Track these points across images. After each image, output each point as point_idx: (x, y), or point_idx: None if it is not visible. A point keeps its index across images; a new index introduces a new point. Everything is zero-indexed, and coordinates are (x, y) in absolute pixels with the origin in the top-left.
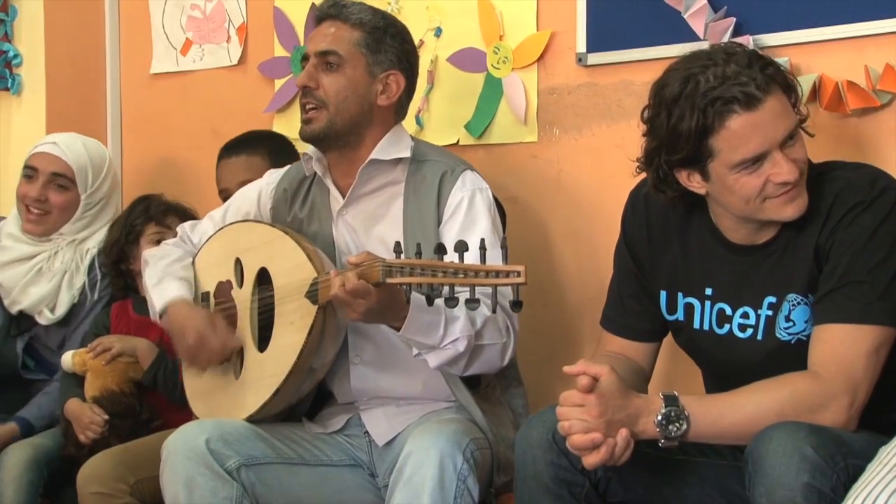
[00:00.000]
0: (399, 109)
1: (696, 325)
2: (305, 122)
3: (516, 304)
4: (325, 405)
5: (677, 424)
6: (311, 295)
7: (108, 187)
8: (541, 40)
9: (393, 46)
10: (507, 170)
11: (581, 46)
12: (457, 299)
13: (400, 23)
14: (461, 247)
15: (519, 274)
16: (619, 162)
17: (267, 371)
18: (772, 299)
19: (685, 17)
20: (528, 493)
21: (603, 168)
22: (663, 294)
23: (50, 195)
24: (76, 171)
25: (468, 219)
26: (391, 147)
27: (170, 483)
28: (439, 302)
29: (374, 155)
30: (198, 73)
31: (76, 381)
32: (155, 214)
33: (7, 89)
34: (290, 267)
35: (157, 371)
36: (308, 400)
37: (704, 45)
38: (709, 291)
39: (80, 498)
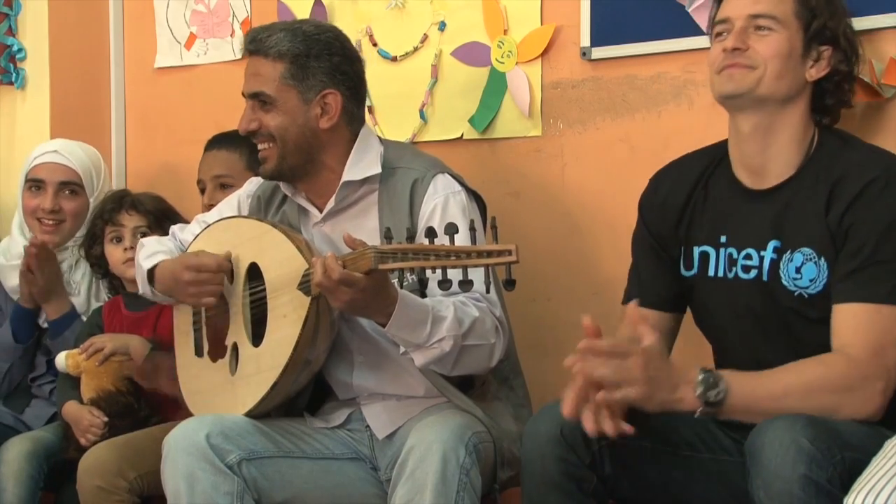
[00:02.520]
0: (350, 121)
1: (711, 272)
2: (262, 161)
3: (509, 283)
4: (325, 400)
5: (716, 391)
6: (304, 287)
7: (108, 188)
8: (545, 34)
9: (320, 67)
10: (510, 164)
11: (585, 41)
12: (450, 282)
13: (323, 35)
14: (451, 229)
15: (511, 252)
16: (623, 156)
17: (263, 366)
18: (776, 243)
19: (689, 10)
20: (535, 489)
21: (607, 162)
22: (682, 250)
23: (62, 204)
24: (83, 175)
25: (443, 224)
26: (360, 163)
27: (171, 478)
28: (427, 300)
29: (346, 177)
30: (202, 68)
31: (72, 383)
32: (107, 213)
33: (11, 83)
34: (281, 260)
35: None
36: (307, 394)
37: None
38: (723, 239)
39: (80, 490)
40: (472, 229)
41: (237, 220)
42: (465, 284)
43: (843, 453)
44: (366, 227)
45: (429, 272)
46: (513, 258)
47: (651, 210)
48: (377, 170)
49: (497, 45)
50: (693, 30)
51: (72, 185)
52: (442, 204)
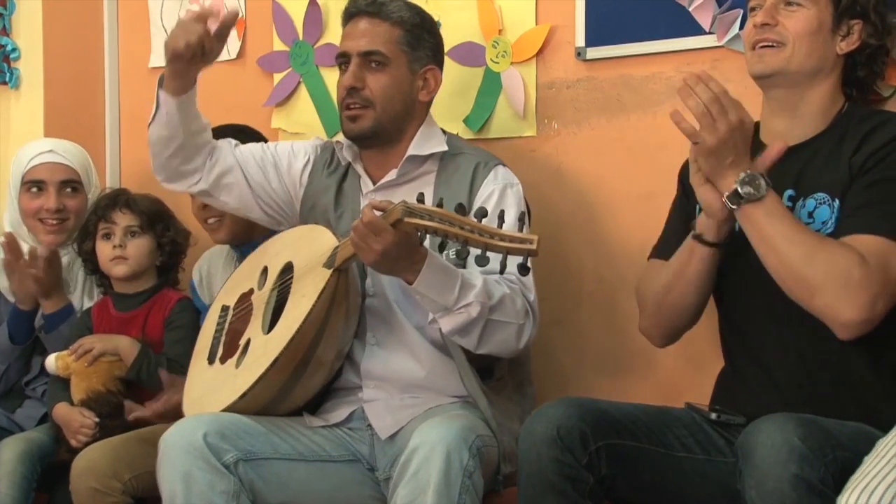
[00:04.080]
0: (432, 101)
1: (736, 227)
2: (350, 119)
3: (524, 268)
4: (326, 398)
5: (749, 189)
6: (329, 261)
7: (97, 182)
8: (540, 34)
9: (429, 42)
10: (506, 164)
11: (580, 41)
12: (468, 251)
13: (431, 17)
14: (481, 212)
15: (532, 242)
16: (618, 156)
17: (270, 346)
18: (791, 192)
19: (690, 9)
20: (531, 489)
21: (602, 162)
22: None
23: (65, 202)
24: (81, 172)
25: (497, 209)
26: (428, 141)
27: (167, 477)
28: (454, 259)
29: (412, 150)
30: None
31: (62, 385)
32: (100, 209)
33: (5, 83)
34: (315, 248)
35: (141, 366)
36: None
37: (710, 39)
38: None
39: (74, 491)
40: (521, 220)
41: (281, 234)
42: (482, 259)
43: (835, 453)
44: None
45: (471, 248)
46: (533, 247)
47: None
48: (444, 147)
49: (492, 45)
50: (687, 30)
51: (72, 183)
52: (500, 191)
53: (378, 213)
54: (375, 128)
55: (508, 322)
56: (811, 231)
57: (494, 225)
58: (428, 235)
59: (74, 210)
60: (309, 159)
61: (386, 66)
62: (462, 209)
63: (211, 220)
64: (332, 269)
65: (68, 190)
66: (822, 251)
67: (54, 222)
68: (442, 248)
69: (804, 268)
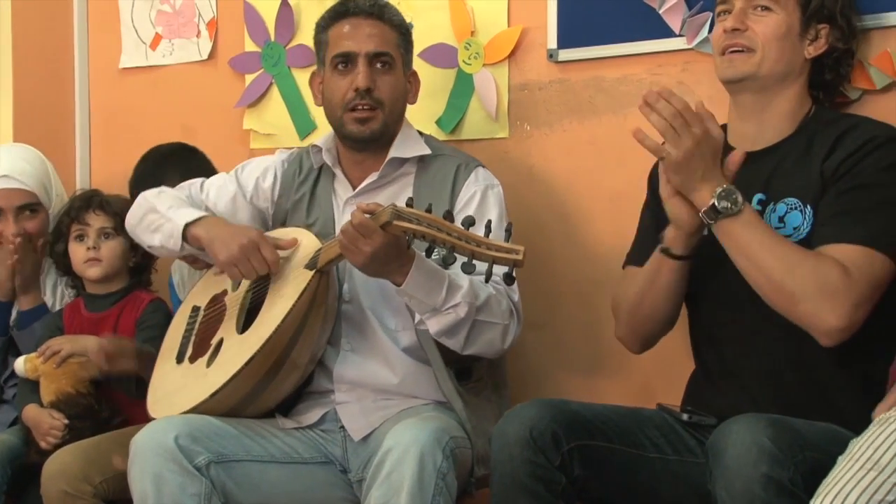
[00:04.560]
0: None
1: (706, 231)
2: (360, 121)
3: (509, 277)
4: (299, 399)
5: (727, 204)
6: (311, 262)
7: (59, 188)
8: (512, 36)
9: (412, 46)
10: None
11: (552, 43)
12: (455, 258)
13: None
14: (468, 221)
15: (518, 252)
16: (590, 158)
17: (245, 345)
18: (761, 196)
19: (660, 12)
20: (503, 490)
21: (574, 164)
22: None
23: (25, 225)
24: (39, 192)
25: (479, 211)
26: (407, 143)
27: (138, 479)
28: (440, 265)
29: (394, 153)
30: (167, 68)
31: (32, 387)
32: (73, 211)
33: None
34: (296, 250)
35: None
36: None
37: (680, 42)
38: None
39: (45, 494)
40: (508, 230)
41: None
42: (469, 266)
43: (805, 453)
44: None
45: (457, 255)
46: (519, 258)
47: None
48: (426, 150)
49: (464, 47)
50: (659, 32)
51: (31, 206)
52: (482, 192)
53: (367, 216)
54: (383, 129)
55: (494, 323)
56: (789, 242)
57: (481, 233)
58: (416, 240)
59: (36, 230)
60: (276, 175)
61: (392, 68)
62: (450, 216)
63: None
64: (313, 271)
65: (27, 213)
66: (803, 261)
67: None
68: (429, 252)
69: (786, 279)
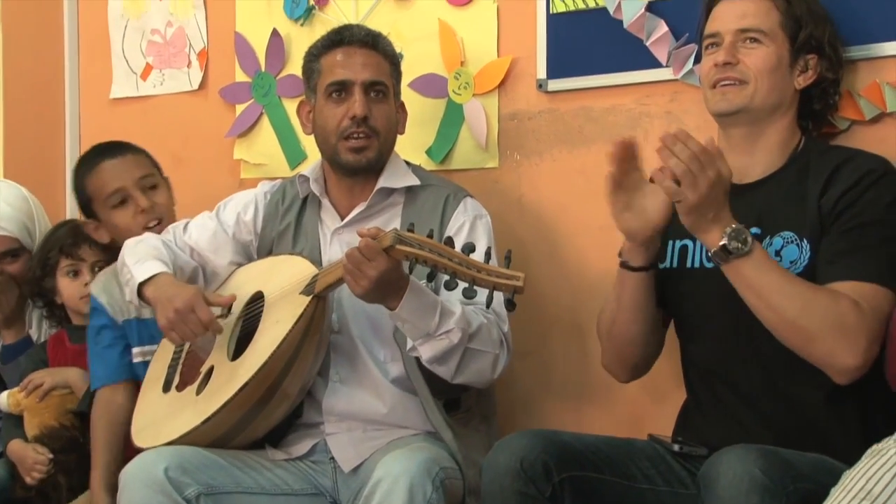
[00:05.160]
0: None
1: (689, 264)
2: (355, 150)
3: (510, 303)
4: (289, 430)
5: (738, 244)
6: (308, 287)
7: (45, 224)
8: (502, 66)
9: (401, 76)
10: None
11: (542, 72)
12: (457, 283)
13: None
14: (469, 247)
15: (518, 279)
16: (580, 187)
17: (238, 371)
18: (756, 230)
19: (647, 44)
20: None
21: (564, 193)
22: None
23: (6, 269)
24: (20, 235)
25: (469, 241)
26: (397, 174)
27: None
28: (439, 291)
29: (383, 183)
30: (158, 98)
31: (16, 421)
32: (65, 247)
33: None
34: (288, 276)
35: (92, 398)
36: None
37: (668, 72)
38: None
39: None
40: (508, 257)
41: (246, 267)
42: (470, 292)
43: (796, 484)
44: None
45: (458, 281)
46: (519, 284)
47: None
48: (415, 181)
49: (454, 77)
50: (647, 63)
51: (13, 251)
52: (470, 223)
53: (372, 240)
54: (378, 158)
55: (486, 351)
56: (800, 280)
57: (481, 260)
58: (417, 265)
59: (18, 273)
60: (257, 207)
61: (386, 97)
62: (451, 242)
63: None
64: (310, 296)
65: (9, 258)
66: (816, 300)
67: None
68: (430, 278)
69: (800, 318)
